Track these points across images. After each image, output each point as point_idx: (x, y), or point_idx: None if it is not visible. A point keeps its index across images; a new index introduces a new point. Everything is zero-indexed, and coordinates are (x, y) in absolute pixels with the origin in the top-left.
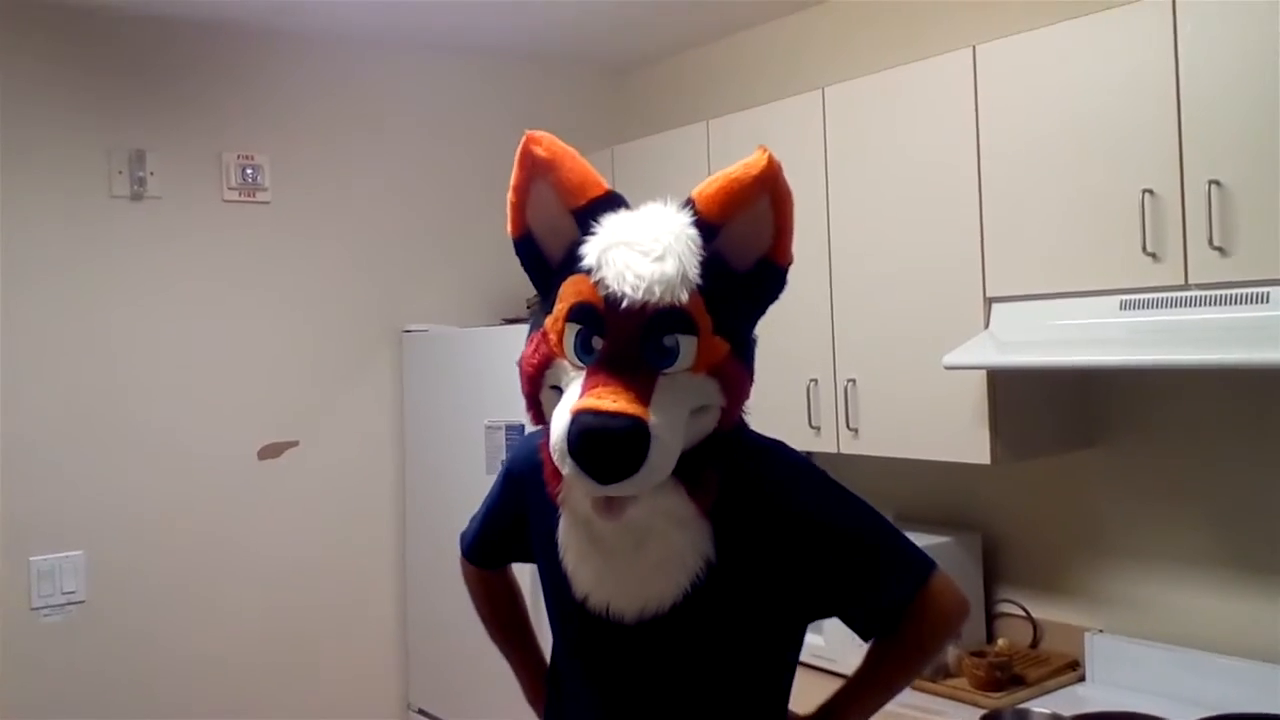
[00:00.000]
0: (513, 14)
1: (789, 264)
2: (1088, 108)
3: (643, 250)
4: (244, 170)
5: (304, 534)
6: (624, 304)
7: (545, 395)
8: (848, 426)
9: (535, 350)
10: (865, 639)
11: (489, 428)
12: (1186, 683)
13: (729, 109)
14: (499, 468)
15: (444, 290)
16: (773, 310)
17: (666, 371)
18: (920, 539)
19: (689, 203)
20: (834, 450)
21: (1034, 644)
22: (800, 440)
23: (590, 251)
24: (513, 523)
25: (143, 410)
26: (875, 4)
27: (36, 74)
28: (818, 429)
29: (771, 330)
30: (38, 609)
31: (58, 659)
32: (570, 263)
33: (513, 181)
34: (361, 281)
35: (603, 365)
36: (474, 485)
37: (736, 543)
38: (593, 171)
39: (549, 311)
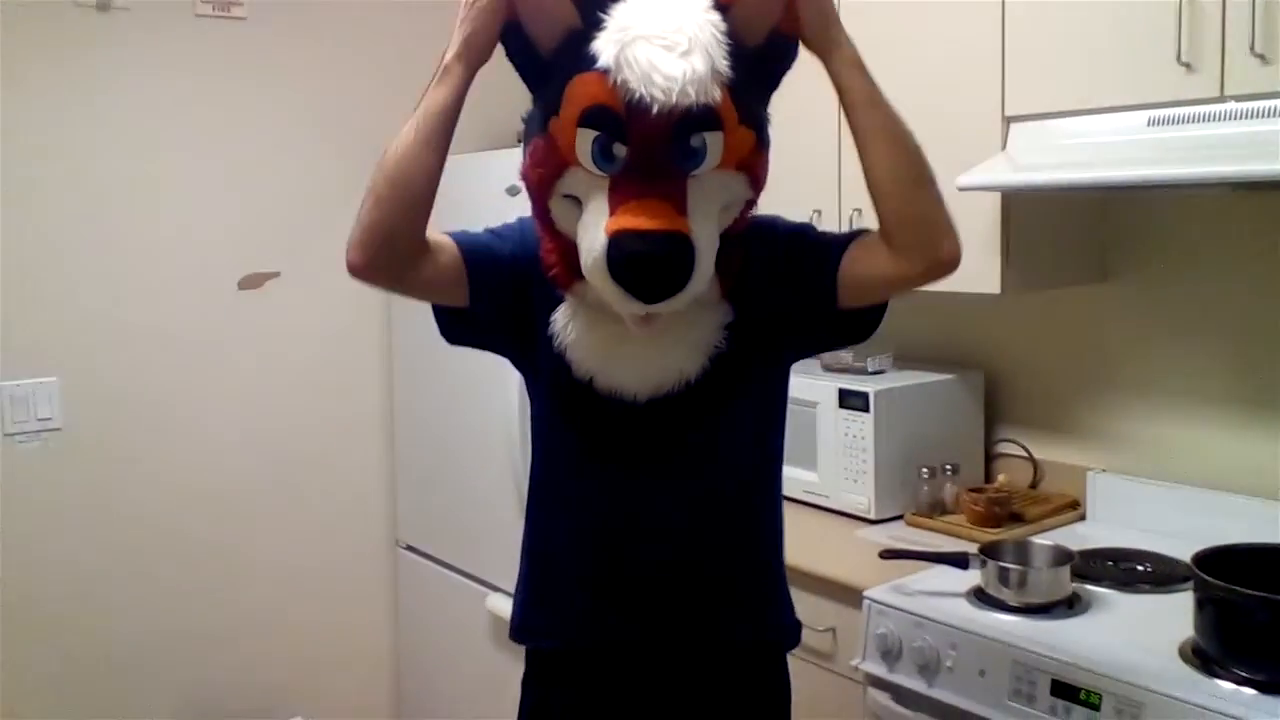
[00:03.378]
0: None
1: (799, 35)
2: None
3: (666, 45)
4: None
5: (287, 366)
6: (654, 109)
7: (558, 204)
8: None
9: (544, 158)
10: (835, 299)
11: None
12: (1189, 521)
13: None
14: None
15: None
16: (776, 136)
17: (695, 173)
18: (920, 377)
19: None
20: None
21: (1034, 484)
22: None
23: (604, 48)
24: (510, 293)
25: (115, 234)
26: None
27: None
28: None
29: (773, 162)
30: (11, 435)
31: (34, 486)
32: (570, 56)
33: None
34: (345, 103)
35: (630, 175)
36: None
37: (746, 307)
38: None
39: (549, 110)
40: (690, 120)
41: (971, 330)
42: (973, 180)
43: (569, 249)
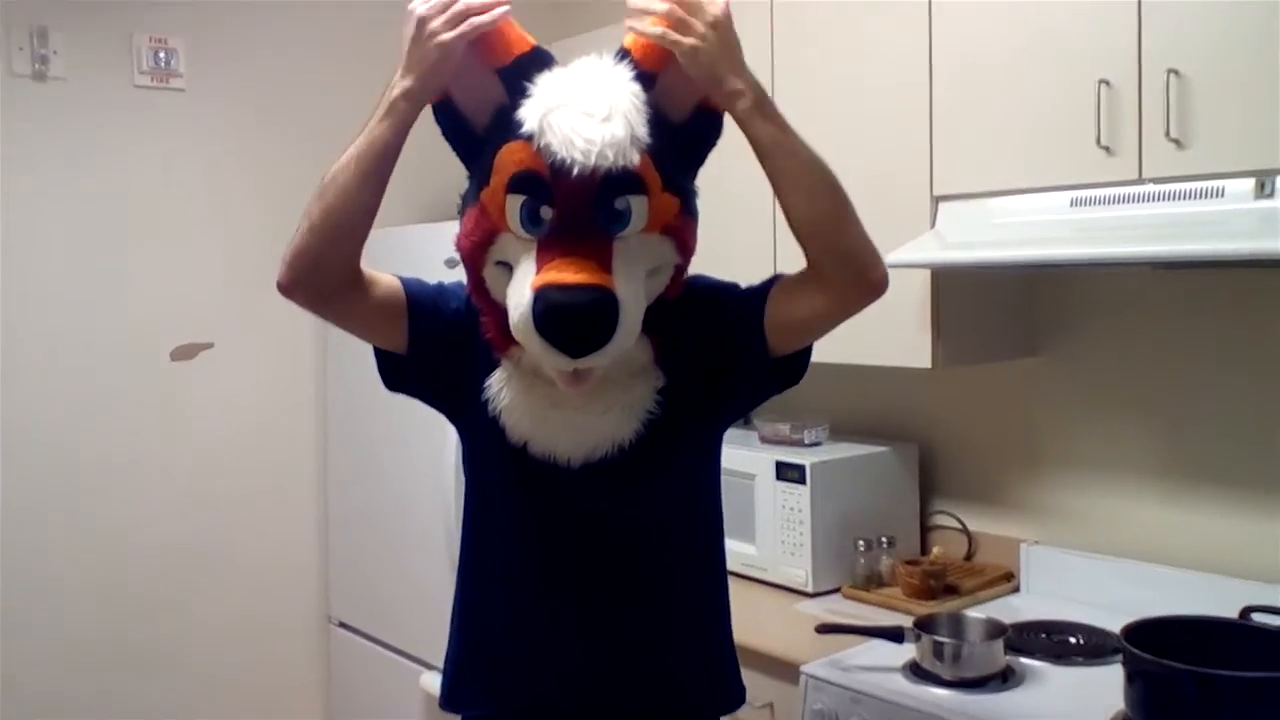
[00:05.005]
0: None
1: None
2: None
3: (587, 111)
4: (157, 54)
5: (219, 441)
6: (574, 171)
7: (490, 272)
8: None
9: (476, 226)
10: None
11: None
12: (1120, 592)
13: None
14: None
15: None
16: (713, 207)
17: (621, 236)
18: (855, 449)
19: (624, 54)
20: None
21: (969, 556)
22: None
23: (530, 115)
24: (451, 349)
25: (47, 304)
26: None
27: None
28: None
29: (711, 229)
30: None
31: None
32: (500, 128)
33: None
34: (281, 175)
35: (557, 236)
36: (405, 401)
37: (678, 370)
38: (517, 27)
39: (482, 180)
40: (613, 184)
41: (906, 403)
42: (903, 258)
43: (503, 316)
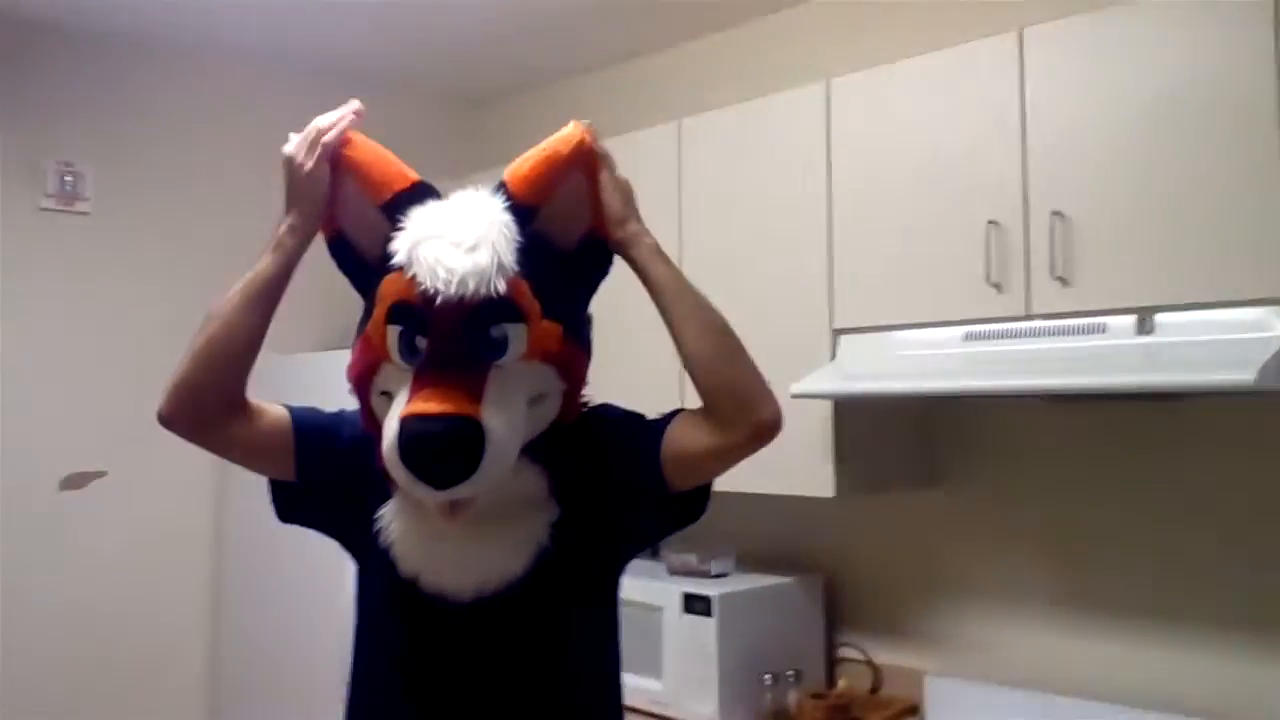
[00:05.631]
0: (370, 37)
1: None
2: (936, 140)
3: (454, 242)
4: (63, 178)
5: (108, 575)
6: (439, 300)
7: (376, 402)
8: None
9: (361, 356)
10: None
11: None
12: None
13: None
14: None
15: (284, 315)
16: (614, 345)
17: (498, 364)
18: (762, 580)
19: (502, 185)
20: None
21: (874, 689)
22: None
23: (401, 247)
24: (344, 476)
25: None
26: (732, 42)
27: None
28: None
29: (613, 364)
30: None
31: None
32: (386, 261)
33: None
34: (184, 302)
35: (428, 366)
36: (300, 531)
37: (574, 494)
38: (397, 164)
39: (369, 310)
40: (486, 313)
41: (812, 533)
42: (804, 388)
43: None
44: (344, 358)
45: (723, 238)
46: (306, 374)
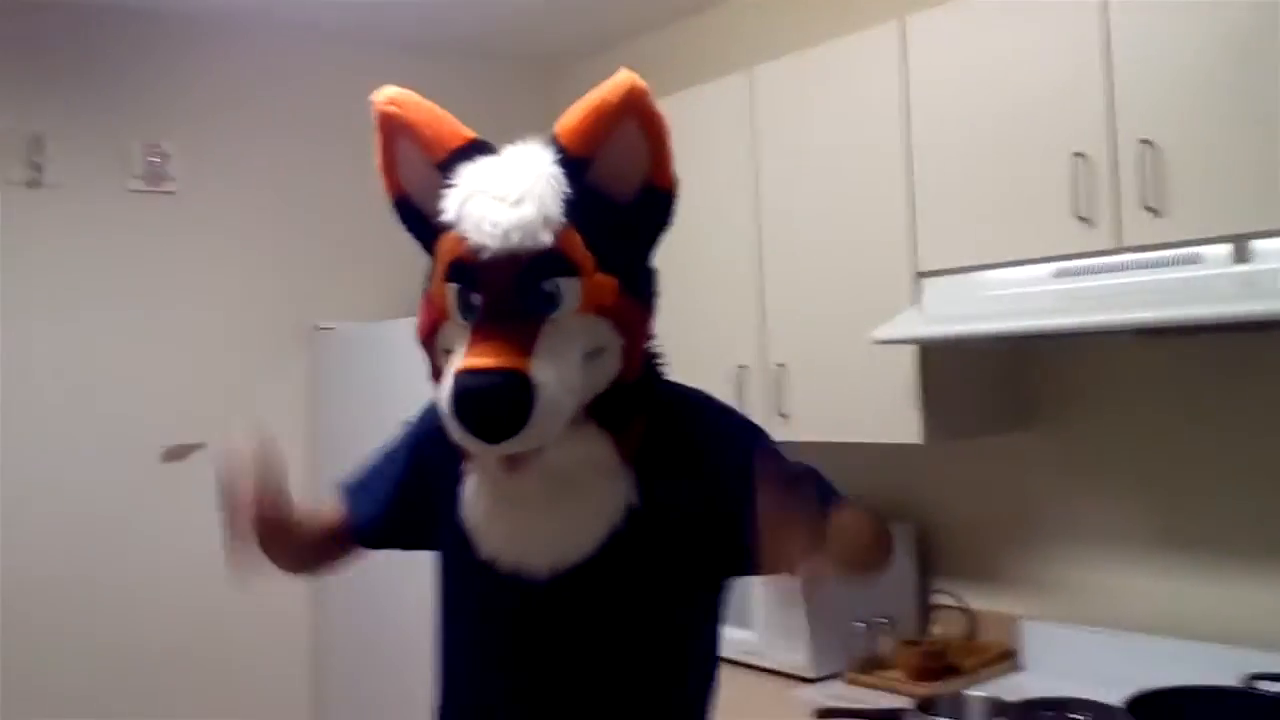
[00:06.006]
0: (440, 6)
1: (673, 186)
2: (1017, 74)
3: (499, 196)
4: (150, 159)
5: (210, 545)
6: (486, 254)
7: (441, 361)
8: (778, 413)
9: (425, 316)
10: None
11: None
12: (1122, 666)
13: (663, 93)
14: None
15: (358, 285)
16: (698, 297)
17: (551, 318)
18: None
19: (554, 139)
20: None
21: (969, 635)
22: None
23: (450, 204)
24: (415, 495)
25: (39, 408)
26: None
27: None
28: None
29: (697, 318)
30: None
31: None
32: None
33: (376, 144)
34: (272, 277)
35: (483, 321)
36: None
37: (659, 487)
38: (453, 121)
39: (431, 270)
40: (540, 266)
41: (902, 482)
42: (888, 334)
43: None
44: (404, 326)
45: (800, 187)
46: (396, 339)
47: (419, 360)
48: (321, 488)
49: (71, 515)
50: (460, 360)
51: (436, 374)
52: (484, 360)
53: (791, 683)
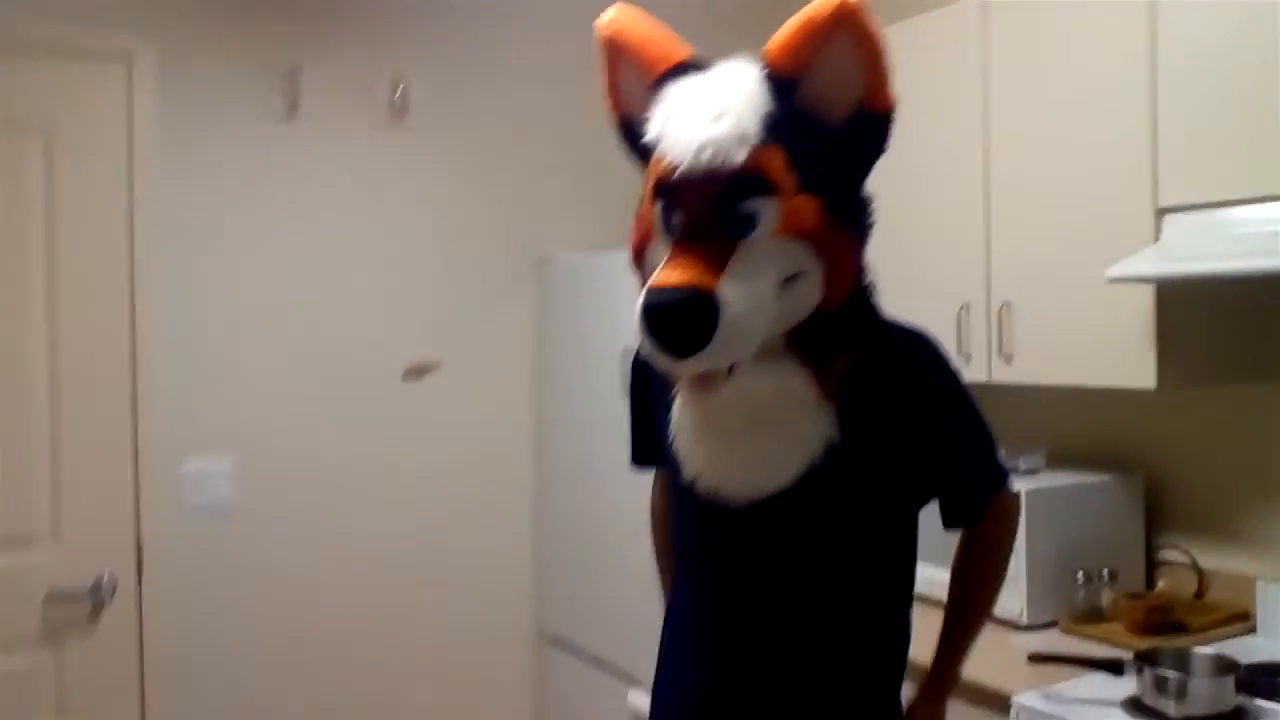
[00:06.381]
0: None
1: (889, 109)
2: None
3: (701, 114)
4: (393, 93)
5: (442, 456)
6: (680, 173)
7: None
8: (999, 353)
9: (635, 234)
10: (947, 524)
11: (625, 354)
12: None
13: (888, 20)
14: None
15: (583, 217)
16: (920, 232)
17: (748, 239)
18: (1074, 478)
19: (763, 56)
20: (985, 379)
21: (1200, 593)
22: None
23: (654, 123)
24: (646, 415)
25: (292, 324)
26: None
27: None
28: (968, 356)
29: (917, 254)
30: (190, 510)
31: (206, 560)
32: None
33: (599, 66)
34: (503, 208)
35: (680, 239)
36: (610, 414)
37: (860, 426)
38: (668, 42)
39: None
40: (736, 186)
41: (1130, 430)
42: (1123, 271)
43: None
44: (624, 257)
45: (1033, 118)
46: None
47: (619, 292)
48: (544, 412)
49: (317, 427)
50: (654, 277)
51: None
52: (673, 277)
53: (1005, 629)
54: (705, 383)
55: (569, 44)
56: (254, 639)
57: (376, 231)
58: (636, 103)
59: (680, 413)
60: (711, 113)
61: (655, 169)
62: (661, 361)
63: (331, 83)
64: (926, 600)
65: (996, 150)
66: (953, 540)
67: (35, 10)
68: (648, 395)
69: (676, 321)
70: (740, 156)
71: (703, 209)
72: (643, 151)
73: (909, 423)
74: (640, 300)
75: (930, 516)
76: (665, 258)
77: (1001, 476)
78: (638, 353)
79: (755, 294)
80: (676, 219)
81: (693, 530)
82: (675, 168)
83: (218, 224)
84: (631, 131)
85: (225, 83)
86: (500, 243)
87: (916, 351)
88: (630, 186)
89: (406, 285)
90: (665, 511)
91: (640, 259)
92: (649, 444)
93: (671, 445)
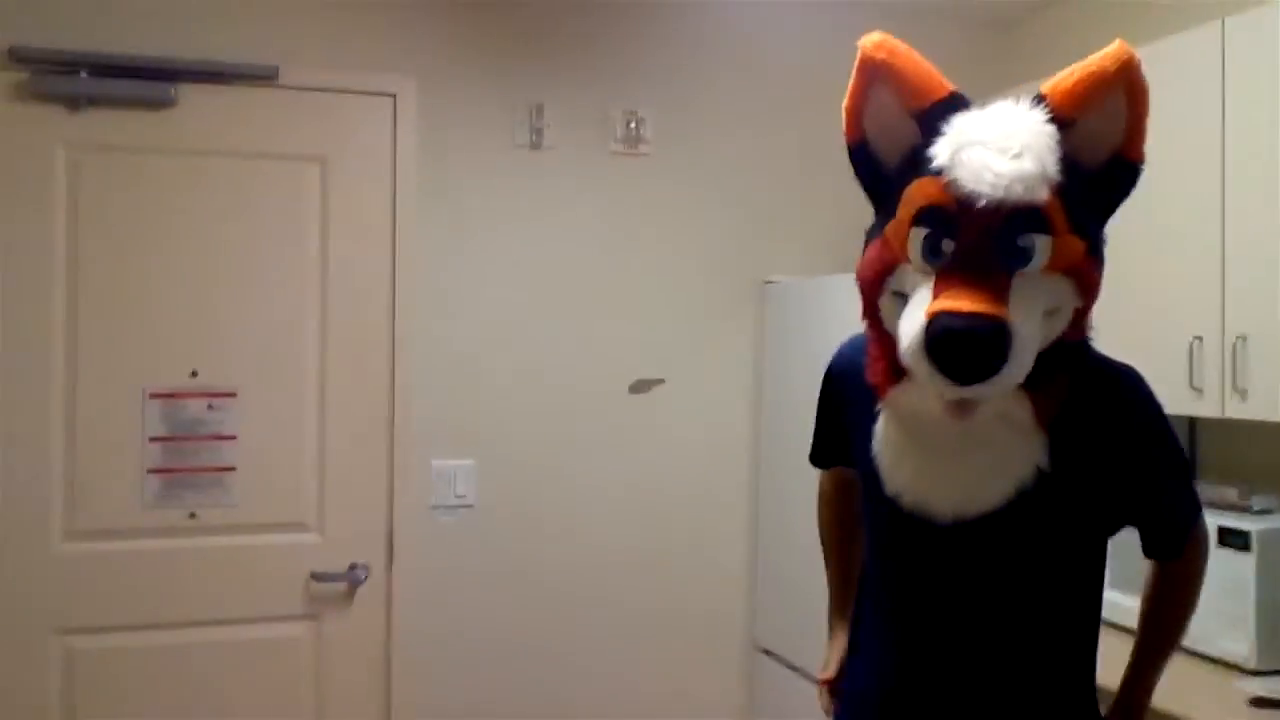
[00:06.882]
0: None
1: (1142, 160)
2: None
3: (999, 148)
4: (628, 124)
5: (664, 467)
6: (981, 203)
7: (885, 301)
8: (1234, 388)
9: (878, 257)
10: (1150, 555)
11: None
12: None
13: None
14: None
15: (804, 243)
16: (1151, 262)
17: (1022, 272)
18: None
19: (1040, 99)
20: (1218, 414)
21: None
22: (1178, 404)
23: (942, 151)
24: (835, 423)
25: (533, 338)
26: None
27: (452, 39)
28: (1200, 391)
29: (1147, 285)
30: (435, 507)
31: (447, 553)
32: (910, 167)
33: (850, 87)
34: (728, 233)
35: (956, 267)
36: None
37: (1070, 455)
38: (936, 73)
39: (888, 215)
40: (1018, 220)
41: None
42: None
43: (891, 348)
44: (843, 281)
45: (1271, 142)
46: (837, 293)
47: (854, 312)
48: (762, 428)
49: (551, 436)
50: (934, 302)
51: (871, 313)
52: (964, 304)
53: (1230, 673)
54: (965, 408)
55: (794, 81)
56: (488, 624)
57: (610, 251)
58: (885, 128)
59: (886, 430)
60: (1012, 148)
61: (926, 194)
62: (937, 385)
63: (571, 117)
64: (1110, 625)
65: (1233, 178)
66: (1137, 565)
67: (316, 57)
68: (841, 405)
69: (975, 348)
70: (1044, 195)
71: (983, 239)
72: (875, 177)
73: (1118, 454)
74: (919, 323)
75: (1118, 544)
76: (930, 283)
77: (1198, 508)
78: (833, 363)
79: (1032, 326)
80: (948, 247)
81: (890, 543)
82: (972, 197)
83: (468, 245)
84: (865, 155)
85: (477, 116)
86: (725, 266)
87: (1128, 386)
88: (846, 215)
89: (637, 303)
90: (835, 498)
91: (879, 283)
92: (833, 449)
93: (871, 459)
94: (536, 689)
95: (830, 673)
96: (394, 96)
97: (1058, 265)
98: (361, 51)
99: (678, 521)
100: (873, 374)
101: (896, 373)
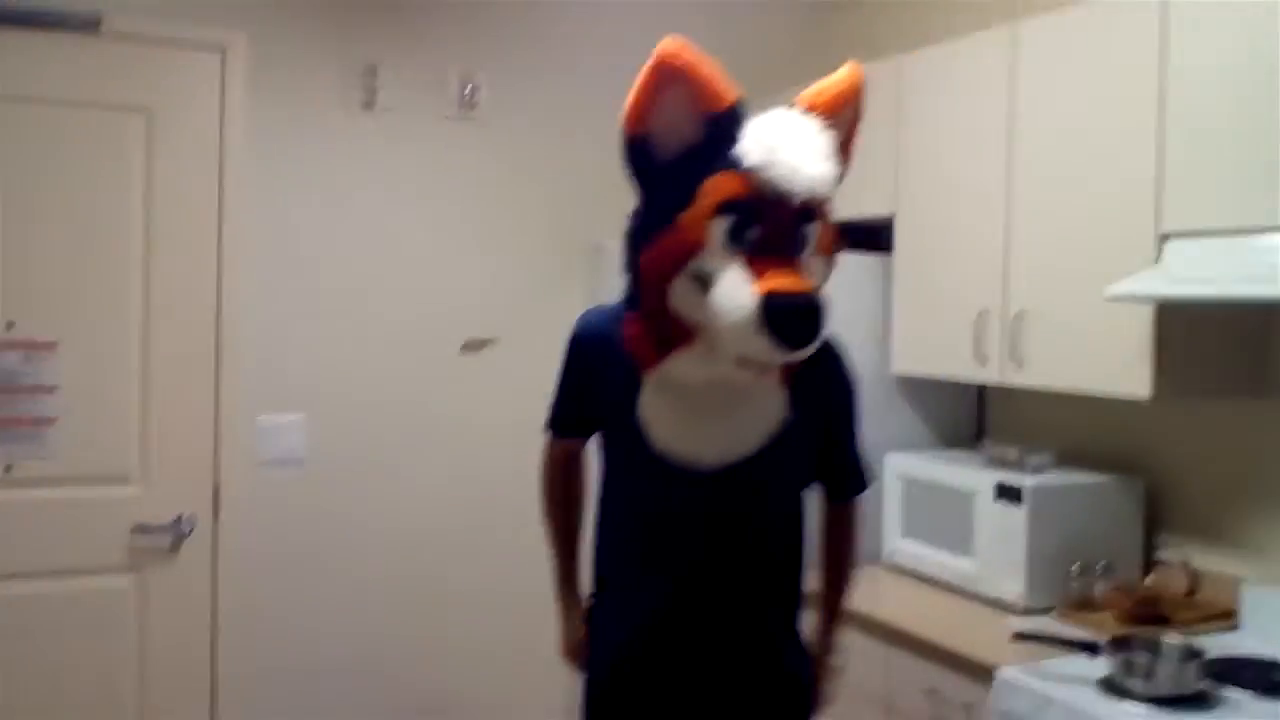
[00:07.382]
0: None
1: (851, 159)
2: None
3: (808, 152)
4: (464, 88)
5: (494, 424)
6: (796, 200)
7: (681, 285)
8: (1012, 357)
9: (672, 246)
10: (837, 497)
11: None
12: None
13: (923, 44)
14: None
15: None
16: (944, 244)
17: (801, 256)
18: (1077, 477)
19: (809, 108)
20: (999, 380)
21: (1190, 591)
22: (966, 371)
23: (753, 151)
24: (584, 392)
25: (364, 297)
26: None
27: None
28: (985, 359)
29: (941, 265)
30: (263, 462)
31: (275, 508)
32: (699, 161)
33: (641, 84)
34: (560, 198)
35: (765, 252)
36: None
37: (801, 406)
38: (726, 79)
39: (677, 205)
40: (808, 212)
41: (1134, 436)
42: (1122, 291)
43: (668, 327)
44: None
45: (1052, 141)
46: None
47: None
48: None
49: (381, 392)
50: (760, 283)
51: (654, 298)
52: (792, 284)
53: (1003, 613)
54: (769, 370)
55: (627, 50)
56: (316, 578)
57: (442, 216)
58: (670, 127)
59: (654, 396)
60: (820, 153)
61: (730, 187)
62: (769, 353)
63: (406, 79)
64: (955, 591)
65: (1018, 173)
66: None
67: (142, 4)
68: (591, 374)
69: (812, 322)
70: (833, 193)
71: (787, 228)
72: (646, 170)
73: (833, 406)
74: (755, 302)
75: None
76: (739, 266)
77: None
78: (579, 335)
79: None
80: (753, 234)
81: (654, 494)
82: (786, 194)
83: (298, 203)
84: (641, 149)
85: (311, 74)
86: (556, 230)
87: (838, 351)
88: None
89: (469, 265)
90: (566, 469)
91: (677, 265)
92: (576, 417)
93: (635, 422)
94: (365, 643)
95: (581, 634)
96: (223, 51)
97: (823, 248)
98: (191, 3)
99: (506, 479)
100: (638, 347)
101: (662, 346)
